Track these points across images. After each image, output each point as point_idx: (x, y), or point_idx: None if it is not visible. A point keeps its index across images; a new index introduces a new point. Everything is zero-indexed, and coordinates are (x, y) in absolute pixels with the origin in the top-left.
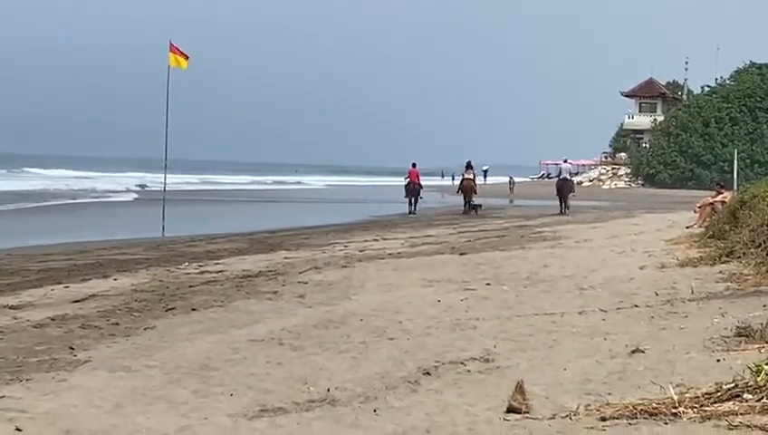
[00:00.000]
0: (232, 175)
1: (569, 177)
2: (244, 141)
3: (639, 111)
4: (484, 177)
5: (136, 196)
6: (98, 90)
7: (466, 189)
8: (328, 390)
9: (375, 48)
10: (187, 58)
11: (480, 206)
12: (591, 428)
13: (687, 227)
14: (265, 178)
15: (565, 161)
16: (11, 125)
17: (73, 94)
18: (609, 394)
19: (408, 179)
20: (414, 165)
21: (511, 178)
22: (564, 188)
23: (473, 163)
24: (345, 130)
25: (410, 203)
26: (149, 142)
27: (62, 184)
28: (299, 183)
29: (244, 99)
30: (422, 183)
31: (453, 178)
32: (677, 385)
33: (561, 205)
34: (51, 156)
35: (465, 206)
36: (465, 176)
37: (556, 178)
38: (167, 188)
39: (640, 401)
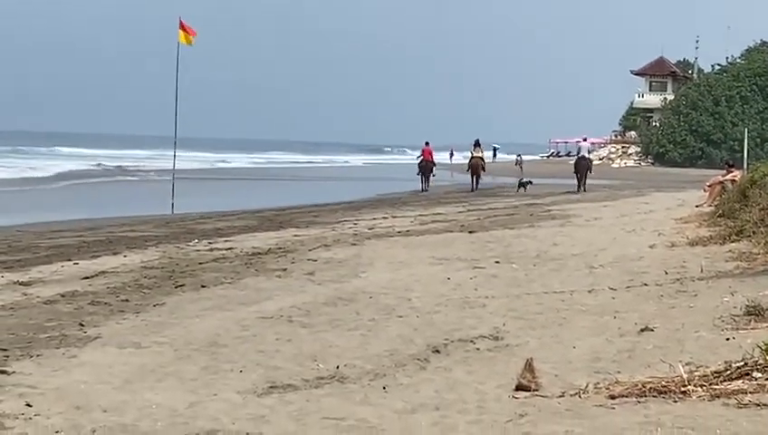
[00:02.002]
0: (289, 154)
1: (587, 155)
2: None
3: (650, 90)
4: (494, 155)
5: (155, 175)
6: (132, 68)
7: (475, 167)
8: (337, 367)
9: (382, 30)
10: (193, 35)
11: (530, 182)
12: (601, 406)
13: (697, 206)
14: (312, 157)
15: (585, 140)
16: (45, 102)
17: (110, 72)
18: (619, 372)
19: (422, 157)
20: (427, 143)
21: (518, 155)
22: (581, 167)
23: (481, 141)
24: (365, 110)
25: (423, 180)
26: (181, 121)
27: (89, 163)
28: (346, 162)
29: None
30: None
31: (451, 156)
32: (687, 364)
33: (578, 183)
34: (87, 134)
35: (473, 184)
36: (474, 154)
37: (573, 157)
38: (204, 168)
39: (649, 380)
